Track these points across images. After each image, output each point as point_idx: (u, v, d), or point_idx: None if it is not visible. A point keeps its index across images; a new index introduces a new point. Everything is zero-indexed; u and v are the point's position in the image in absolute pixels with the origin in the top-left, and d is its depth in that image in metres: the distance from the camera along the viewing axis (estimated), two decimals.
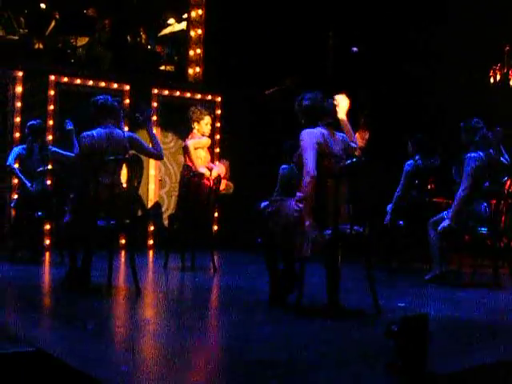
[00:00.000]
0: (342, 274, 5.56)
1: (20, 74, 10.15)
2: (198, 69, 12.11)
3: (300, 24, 11.56)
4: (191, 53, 12.14)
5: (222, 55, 11.78)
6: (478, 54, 10.56)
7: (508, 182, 7.67)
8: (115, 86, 10.94)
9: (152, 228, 11.23)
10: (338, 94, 5.95)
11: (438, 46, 10.94)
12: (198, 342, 4.58)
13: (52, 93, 10.43)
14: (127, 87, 11.01)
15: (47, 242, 10.12)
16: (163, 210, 11.39)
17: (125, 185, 6.68)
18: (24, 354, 3.98)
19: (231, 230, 11.05)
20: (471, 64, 10.61)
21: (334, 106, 5.84)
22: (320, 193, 5.46)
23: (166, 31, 12.49)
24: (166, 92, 11.48)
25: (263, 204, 6.28)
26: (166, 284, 7.72)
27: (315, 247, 5.35)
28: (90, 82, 10.77)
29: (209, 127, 8.67)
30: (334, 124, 5.81)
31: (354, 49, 11.44)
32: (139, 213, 10.58)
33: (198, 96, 11.74)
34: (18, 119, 10.09)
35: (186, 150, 8.56)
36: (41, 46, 11.04)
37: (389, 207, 8.81)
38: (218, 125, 11.76)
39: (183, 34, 12.34)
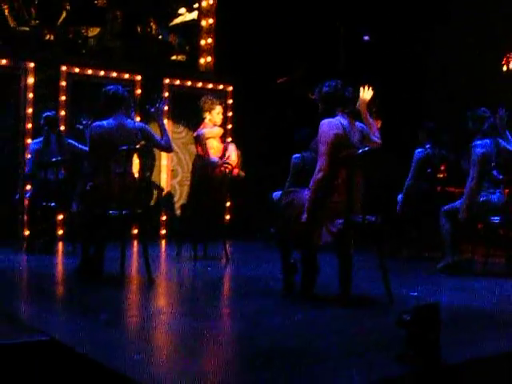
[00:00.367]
0: (355, 263, 5.57)
1: (32, 65, 10.17)
2: (209, 58, 12.11)
3: (311, 12, 11.53)
4: (202, 42, 12.14)
5: (233, 44, 11.76)
6: (490, 42, 10.50)
7: None
8: (127, 76, 10.95)
9: (164, 218, 11.25)
10: (354, 84, 5.93)
11: (450, 33, 10.88)
12: (210, 331, 4.59)
13: (63, 83, 10.44)
14: (139, 77, 11.02)
15: (60, 232, 10.16)
16: (175, 199, 11.41)
17: (137, 175, 6.69)
18: (37, 344, 4.01)
19: (243, 220, 11.06)
20: (484, 52, 10.56)
21: (354, 95, 5.82)
22: (334, 183, 5.47)
23: (177, 21, 12.47)
24: (178, 82, 11.49)
25: (276, 194, 6.29)
26: (179, 273, 7.74)
27: (329, 237, 5.37)
28: (102, 73, 10.78)
29: (220, 117, 8.67)
30: (354, 113, 5.79)
31: (366, 37, 11.40)
32: (151, 202, 10.62)
33: (210, 85, 11.74)
34: (29, 110, 10.12)
35: (198, 140, 8.57)
36: (52, 37, 11.04)
37: (400, 196, 8.80)
38: (230, 114, 11.76)
39: (194, 23, 12.32)
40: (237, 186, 8.93)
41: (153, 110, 6.95)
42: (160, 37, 12.30)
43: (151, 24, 12.19)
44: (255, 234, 9.90)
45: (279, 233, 5.83)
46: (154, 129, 7.06)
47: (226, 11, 11.94)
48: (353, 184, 5.44)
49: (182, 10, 12.50)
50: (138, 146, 6.68)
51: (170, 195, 11.32)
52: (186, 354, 3.95)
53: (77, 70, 10.60)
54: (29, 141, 9.84)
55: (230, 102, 11.77)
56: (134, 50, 11.69)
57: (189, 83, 11.59)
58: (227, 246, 8.41)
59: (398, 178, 8.53)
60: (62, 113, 10.27)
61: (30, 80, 10.15)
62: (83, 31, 11.40)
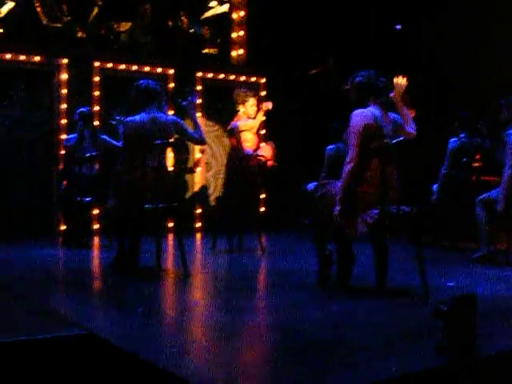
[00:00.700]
0: (390, 254, 5.55)
1: (65, 61, 10.24)
2: (241, 51, 12.10)
3: (342, 3, 11.47)
4: (234, 35, 12.13)
5: (264, 36, 11.75)
6: None
7: None
8: (159, 70, 10.98)
9: (199, 210, 11.28)
10: (386, 74, 5.89)
11: (482, 20, 10.76)
12: (246, 324, 4.61)
13: (97, 79, 10.51)
14: (171, 71, 11.05)
15: (96, 226, 10.23)
16: (210, 192, 11.44)
17: (171, 168, 6.71)
18: (75, 337, 4.04)
19: (278, 212, 11.06)
20: None
21: (387, 85, 5.79)
22: (367, 173, 5.46)
23: (208, 14, 12.47)
24: (210, 75, 11.49)
25: (310, 185, 6.27)
26: (214, 266, 7.75)
27: (364, 227, 5.36)
28: (134, 67, 10.83)
29: (254, 109, 8.67)
30: (387, 103, 5.77)
31: (398, 27, 11.33)
32: (186, 196, 10.66)
33: (242, 78, 11.74)
34: (63, 106, 10.20)
35: (232, 132, 8.58)
36: (84, 33, 11.10)
37: (435, 186, 8.75)
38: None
39: (225, 16, 12.32)
40: (271, 178, 8.92)
41: (185, 103, 6.96)
42: (191, 30, 12.31)
43: (182, 17, 12.20)
44: (293, 225, 9.85)
45: (314, 225, 5.83)
46: (187, 122, 7.07)
47: (257, 3, 11.93)
48: (386, 174, 5.42)
49: (214, 3, 12.50)
50: (171, 140, 6.70)
51: (204, 188, 11.34)
52: (222, 347, 3.97)
53: (109, 65, 10.66)
54: (63, 136, 9.92)
55: (263, 93, 11.75)
56: (166, 44, 11.71)
57: (221, 76, 11.60)
58: (262, 237, 8.42)
59: (433, 167, 8.47)
60: (96, 108, 10.33)
61: (64, 76, 10.22)
62: (115, 26, 11.45)
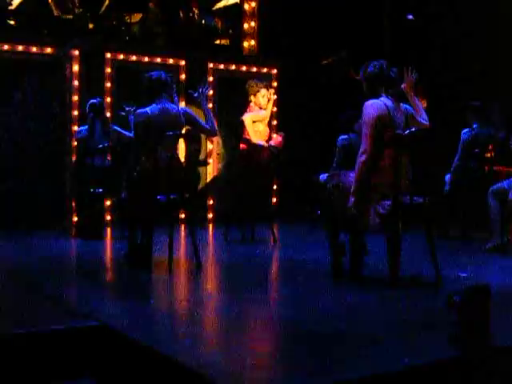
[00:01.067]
0: (403, 244, 5.54)
1: (76, 52, 10.24)
2: (252, 42, 12.08)
3: None
4: (246, 26, 12.11)
5: (276, 27, 11.73)
6: None
7: None
8: (171, 61, 10.97)
9: (211, 202, 11.28)
10: (399, 65, 5.89)
11: (496, 9, 10.69)
12: (259, 315, 4.61)
13: (108, 70, 10.51)
14: (183, 62, 11.04)
15: (108, 217, 10.26)
16: (222, 183, 11.42)
17: (183, 159, 6.71)
18: (89, 329, 4.06)
19: (290, 202, 11.06)
20: None
21: (399, 76, 5.79)
22: (380, 164, 5.46)
23: (220, 5, 12.45)
24: (222, 66, 11.48)
25: (322, 176, 6.27)
26: (227, 257, 7.77)
27: (377, 218, 5.37)
28: (146, 59, 10.82)
29: (266, 99, 8.66)
30: (398, 94, 5.76)
31: (410, 16, 11.29)
32: (198, 187, 10.66)
33: (254, 69, 11.72)
34: (75, 97, 10.21)
35: (243, 124, 8.58)
36: (95, 25, 11.11)
37: (447, 177, 8.73)
38: (275, 97, 11.72)
39: (237, 7, 12.30)
40: (283, 168, 8.92)
41: (196, 94, 6.95)
42: (203, 21, 12.30)
43: (194, 8, 12.19)
44: (305, 216, 9.84)
45: (326, 215, 5.83)
46: (199, 114, 7.06)
47: None
48: (399, 165, 5.41)
49: None
50: (183, 131, 6.70)
51: (216, 179, 11.34)
52: (236, 339, 3.98)
53: (121, 56, 10.67)
54: (75, 128, 9.95)
55: (275, 84, 11.72)
56: (177, 35, 11.71)
57: (233, 67, 11.58)
58: (274, 228, 8.43)
59: (446, 158, 8.45)
60: (108, 99, 10.34)
61: (75, 68, 10.23)
62: (126, 18, 11.46)
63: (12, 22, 10.59)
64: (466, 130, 8.66)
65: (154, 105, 6.59)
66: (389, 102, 5.57)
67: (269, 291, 5.76)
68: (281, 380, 3.30)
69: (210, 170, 11.26)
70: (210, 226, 10.93)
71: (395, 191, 5.35)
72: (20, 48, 9.95)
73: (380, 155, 5.46)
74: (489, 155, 8.54)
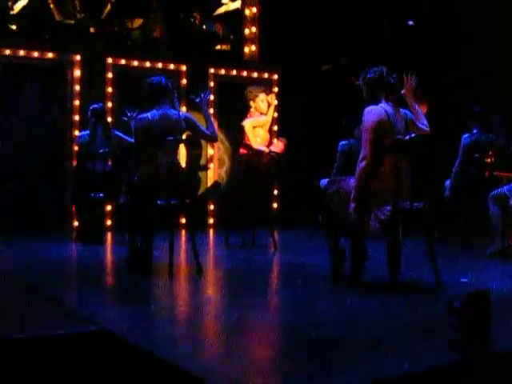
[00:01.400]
0: (403, 250, 5.54)
1: (78, 57, 10.26)
2: (253, 47, 12.09)
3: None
4: (246, 31, 12.12)
5: (277, 33, 11.74)
6: None
7: None
8: (172, 66, 10.99)
9: (212, 207, 11.28)
10: (398, 70, 5.89)
11: (496, 14, 10.70)
12: (259, 320, 4.61)
13: (110, 75, 10.52)
14: (184, 67, 11.05)
15: (109, 222, 10.26)
16: (222, 188, 11.42)
17: (183, 165, 6.71)
18: (89, 334, 4.06)
19: (291, 207, 11.06)
20: None
21: (398, 82, 5.80)
22: (380, 170, 5.46)
23: (221, 10, 12.48)
24: (223, 71, 11.49)
25: (323, 181, 6.27)
26: (227, 262, 7.76)
27: (377, 224, 5.37)
28: (147, 64, 10.84)
29: (265, 104, 8.68)
30: (398, 100, 5.77)
31: (410, 22, 11.30)
32: (198, 192, 10.66)
33: (255, 74, 11.73)
34: (76, 102, 10.22)
35: (243, 130, 8.60)
36: (97, 30, 11.13)
37: (447, 182, 8.74)
38: (276, 103, 11.73)
39: (238, 12, 12.31)
40: (283, 173, 8.92)
41: (198, 100, 6.96)
42: (204, 27, 12.32)
43: (195, 14, 12.21)
44: (305, 221, 9.85)
45: (326, 221, 5.84)
46: (200, 119, 7.07)
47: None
48: (399, 171, 5.42)
49: (226, 0, 12.50)
50: (184, 137, 6.70)
51: (216, 184, 11.33)
52: (235, 343, 3.98)
53: (122, 61, 10.68)
54: (76, 133, 9.96)
55: (276, 90, 11.73)
56: (178, 41, 11.73)
57: (234, 72, 11.59)
58: (275, 233, 8.43)
59: (446, 163, 8.45)
60: (109, 104, 10.35)
61: (77, 73, 10.25)
62: (128, 23, 11.48)
63: (14, 27, 10.61)
64: (466, 135, 8.67)
65: (154, 110, 6.59)
66: (389, 108, 5.58)
67: (268, 296, 5.76)
68: None
69: (211, 175, 11.27)
70: (211, 231, 10.93)
71: (395, 197, 5.36)
72: (21, 53, 9.96)
73: (380, 161, 5.47)
74: (489, 160, 8.54)
